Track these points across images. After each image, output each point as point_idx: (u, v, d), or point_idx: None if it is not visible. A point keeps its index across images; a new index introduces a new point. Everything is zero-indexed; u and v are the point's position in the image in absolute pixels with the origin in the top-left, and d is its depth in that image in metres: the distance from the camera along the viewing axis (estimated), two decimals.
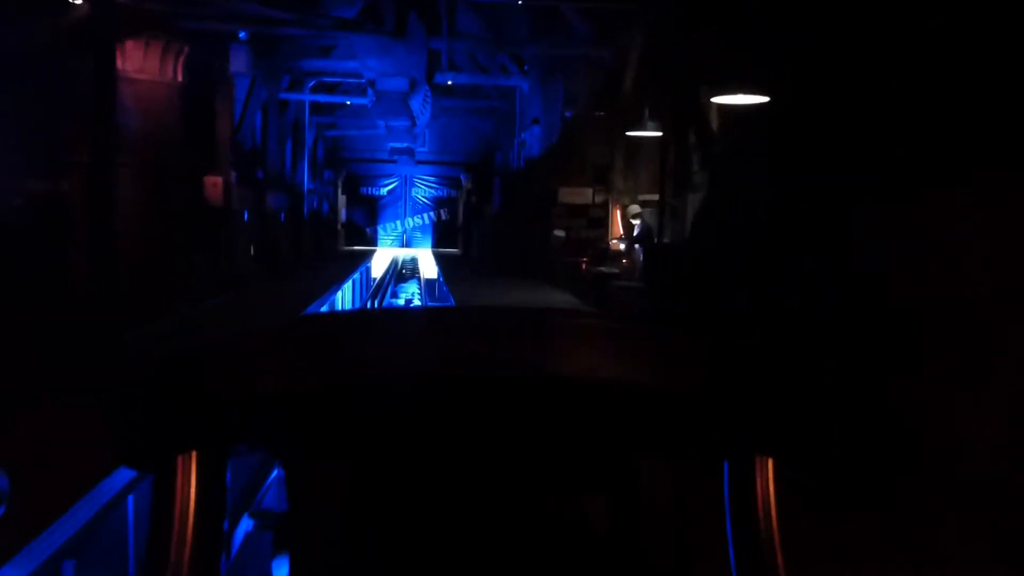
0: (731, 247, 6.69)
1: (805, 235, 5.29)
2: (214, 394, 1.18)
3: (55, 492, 4.31)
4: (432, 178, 38.92)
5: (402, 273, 33.30)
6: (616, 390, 1.19)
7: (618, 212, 16.42)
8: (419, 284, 29.87)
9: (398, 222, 39.33)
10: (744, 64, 7.97)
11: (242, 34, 17.07)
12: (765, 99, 7.80)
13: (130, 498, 5.01)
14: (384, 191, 39.26)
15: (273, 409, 1.20)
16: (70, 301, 8.59)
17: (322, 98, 27.71)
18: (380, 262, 33.04)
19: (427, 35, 18.32)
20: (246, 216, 17.58)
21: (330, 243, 32.23)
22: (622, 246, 15.25)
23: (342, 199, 36.94)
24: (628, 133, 13.87)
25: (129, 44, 12.35)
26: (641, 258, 13.97)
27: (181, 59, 13.28)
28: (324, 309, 13.82)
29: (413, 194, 39.22)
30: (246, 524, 6.96)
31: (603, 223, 16.92)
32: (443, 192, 39.04)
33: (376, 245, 37.95)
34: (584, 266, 15.26)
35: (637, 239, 14.25)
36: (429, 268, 29.68)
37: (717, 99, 8.59)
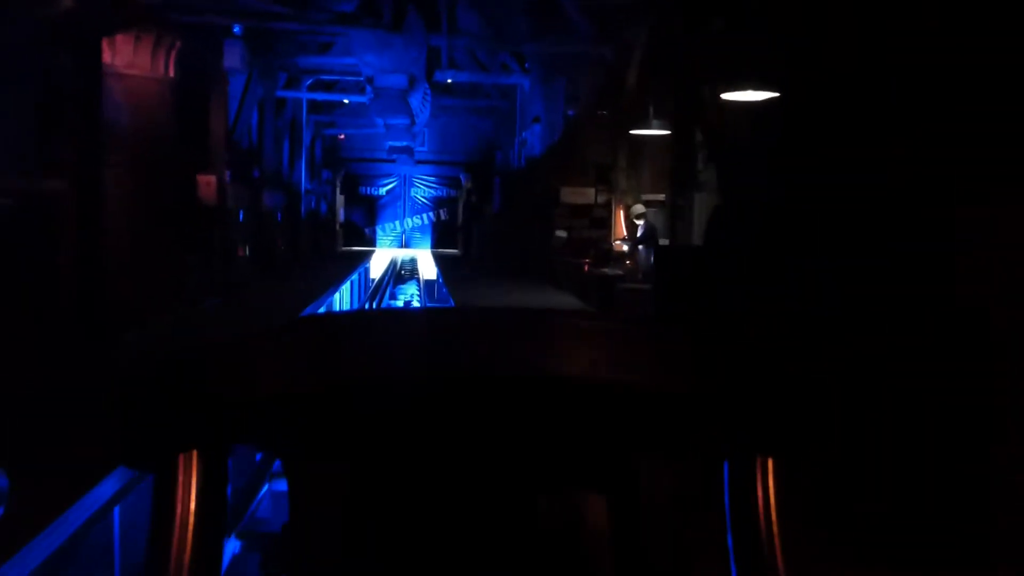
0: (749, 248, 6.68)
1: (845, 234, 5.28)
2: (214, 394, 1.20)
3: None
4: (431, 178, 38.95)
5: (401, 274, 33.37)
6: (615, 390, 1.21)
7: (621, 212, 16.41)
8: (418, 285, 29.94)
9: (397, 222, 39.36)
10: (752, 59, 7.98)
11: (236, 29, 16.99)
12: (774, 95, 7.82)
13: (116, 509, 4.94)
14: (383, 191, 39.30)
15: (273, 409, 1.22)
16: (54, 304, 8.52)
17: (320, 96, 27.74)
18: (379, 263, 33.09)
19: (426, 32, 18.28)
20: (241, 216, 17.53)
21: (328, 243, 32.24)
22: (625, 247, 15.25)
23: (340, 199, 36.97)
24: (632, 131, 13.83)
25: (119, 38, 12.21)
26: (644, 259, 13.98)
27: (173, 54, 13.11)
28: (321, 312, 13.80)
29: (412, 194, 39.26)
30: (233, 545, 6.98)
31: (606, 223, 16.91)
32: (443, 192, 39.08)
33: (375, 245, 37.99)
34: (587, 267, 15.21)
35: (641, 240, 14.24)
36: (428, 269, 29.72)
37: (729, 96, 8.59)
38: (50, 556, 4.00)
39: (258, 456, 8.11)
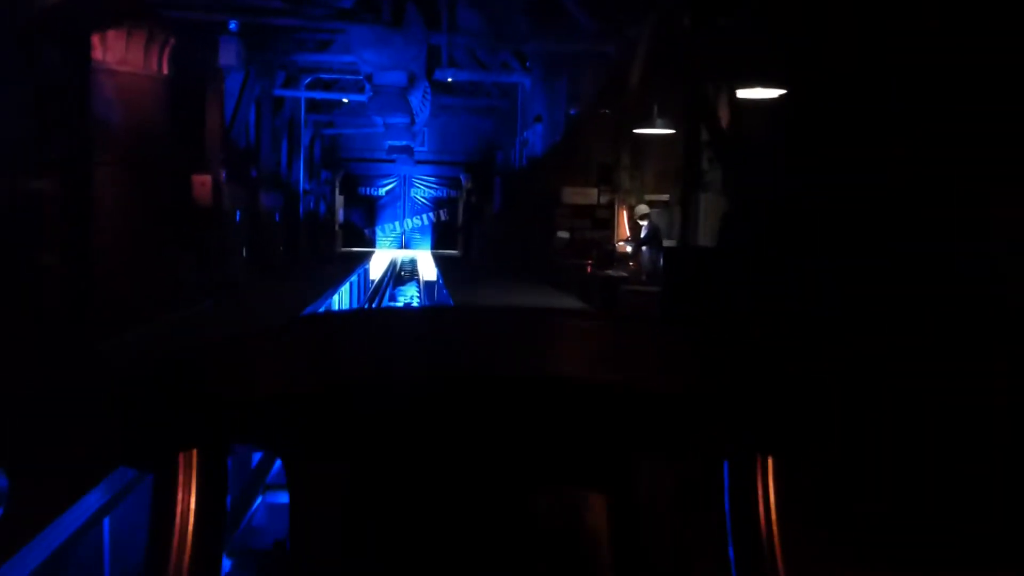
0: (761, 249, 6.66)
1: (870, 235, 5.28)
2: (213, 393, 1.22)
3: None
4: (431, 178, 38.95)
5: (401, 275, 33.39)
6: (614, 390, 1.22)
7: (624, 212, 16.40)
8: (418, 287, 29.95)
9: (397, 223, 39.36)
10: (760, 56, 8.00)
11: (232, 25, 16.78)
12: (783, 92, 7.84)
13: (105, 521, 4.85)
14: (383, 191, 39.30)
15: (272, 409, 1.23)
16: (38, 306, 8.44)
17: (318, 95, 27.68)
18: (378, 264, 33.11)
19: (426, 29, 18.18)
20: (238, 217, 17.47)
21: (327, 244, 32.23)
22: (629, 248, 15.20)
23: (340, 199, 36.96)
24: (636, 130, 13.83)
25: (110, 34, 12.09)
26: (648, 260, 13.96)
27: (166, 50, 13.00)
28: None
29: (412, 194, 39.26)
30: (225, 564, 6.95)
31: (608, 224, 16.81)
32: (443, 192, 39.08)
33: (374, 246, 37.99)
34: (589, 269, 15.18)
35: (645, 241, 14.23)
36: (428, 270, 29.70)
37: (739, 93, 8.61)
38: (34, 570, 3.89)
39: (252, 463, 8.11)
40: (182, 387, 1.22)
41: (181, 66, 13.54)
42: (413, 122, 22.55)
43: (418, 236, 39.21)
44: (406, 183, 39.01)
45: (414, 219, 39.40)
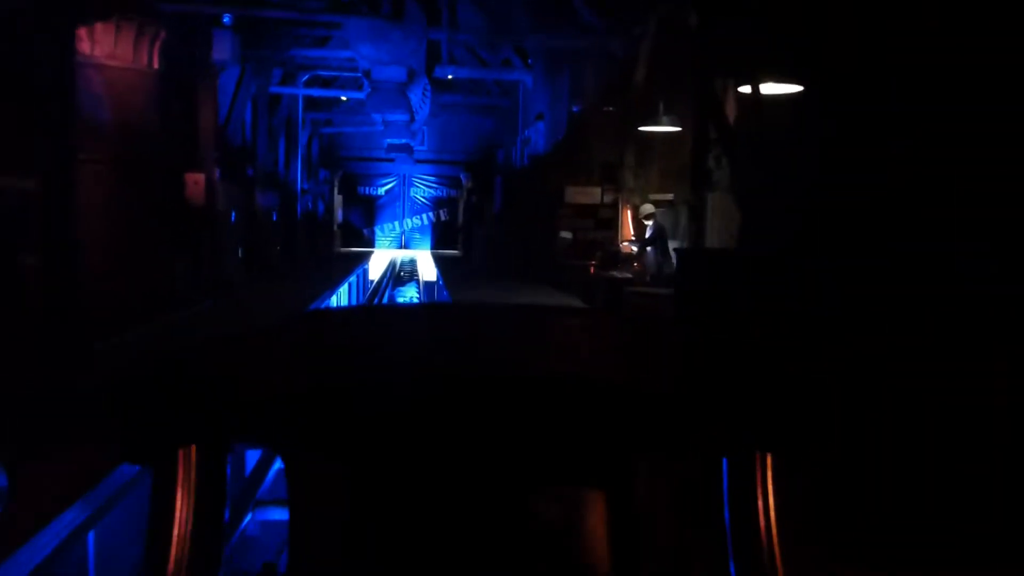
0: (783, 251, 6.62)
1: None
2: (213, 391, 1.25)
3: None
4: (431, 177, 39.00)
5: (400, 276, 33.48)
6: (614, 389, 1.24)
7: (629, 212, 16.35)
8: (418, 287, 30.03)
9: (396, 223, 39.43)
10: (774, 51, 8.01)
11: (226, 18, 16.52)
12: (799, 88, 7.87)
13: (91, 535, 4.77)
14: (382, 191, 39.36)
15: (271, 406, 1.26)
16: (17, 310, 8.12)
17: (316, 92, 27.64)
18: (377, 264, 33.17)
19: (426, 24, 18.08)
20: (233, 217, 17.34)
21: (326, 245, 32.25)
22: (634, 248, 15.14)
23: (338, 199, 37.01)
24: (641, 128, 13.79)
25: (98, 27, 11.86)
26: (653, 261, 13.95)
27: (157, 44, 12.75)
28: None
29: (412, 194, 39.31)
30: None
31: (612, 224, 16.82)
32: (442, 192, 39.14)
33: (374, 246, 38.05)
34: (593, 270, 15.11)
35: (650, 241, 14.16)
36: (428, 270, 29.74)
37: (747, 88, 8.60)
38: None
39: (245, 471, 8.12)
40: (182, 385, 1.25)
41: (173, 61, 13.32)
42: (413, 120, 22.51)
43: (418, 236, 39.26)
44: (405, 182, 39.06)
45: (414, 219, 39.46)
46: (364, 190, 39.23)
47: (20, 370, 7.23)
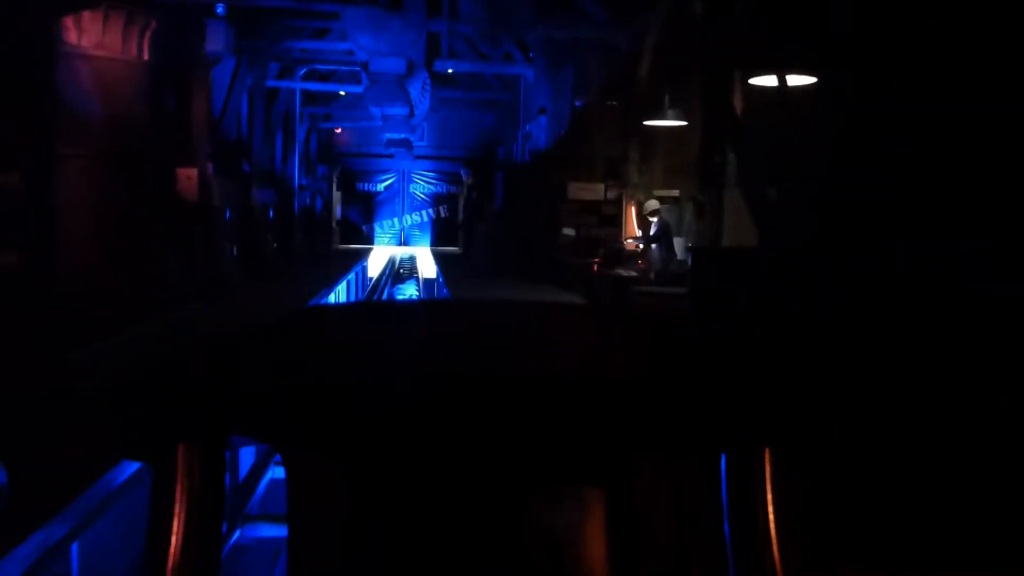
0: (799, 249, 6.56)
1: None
2: (213, 388, 1.27)
3: None
4: (431, 173, 39.10)
5: (400, 273, 33.59)
6: (614, 387, 1.26)
7: (632, 209, 16.34)
8: (417, 285, 30.11)
9: (395, 219, 39.54)
10: (782, 43, 8.02)
11: (219, 8, 16.33)
12: (813, 80, 7.89)
13: (74, 546, 4.70)
14: (381, 187, 39.47)
15: (271, 404, 1.27)
16: None
17: (314, 86, 27.67)
18: (376, 261, 33.27)
19: (426, 16, 17.99)
20: (229, 213, 17.27)
21: (324, 242, 32.30)
22: (639, 246, 15.13)
23: (337, 195, 37.11)
24: (647, 122, 13.80)
25: (85, 16, 11.65)
26: (658, 259, 13.95)
27: (148, 34, 12.53)
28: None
29: (411, 190, 39.43)
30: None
31: (616, 221, 16.83)
32: (442, 188, 39.25)
33: (372, 243, 38.17)
34: (596, 267, 15.16)
35: (654, 238, 14.17)
36: (428, 268, 29.78)
37: (760, 81, 8.58)
38: None
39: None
40: (182, 381, 1.28)
41: (164, 52, 13.10)
42: (412, 114, 22.49)
43: (417, 233, 39.36)
44: (405, 179, 39.16)
45: (413, 215, 39.57)
46: (363, 186, 39.34)
47: None
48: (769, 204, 9.17)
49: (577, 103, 19.77)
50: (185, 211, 14.07)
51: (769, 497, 1.30)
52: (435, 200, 39.55)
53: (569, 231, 17.23)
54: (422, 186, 39.45)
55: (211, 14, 16.21)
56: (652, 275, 13.43)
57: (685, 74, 12.79)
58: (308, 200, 30.33)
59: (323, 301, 16.26)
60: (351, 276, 23.65)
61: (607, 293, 13.22)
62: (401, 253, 37.43)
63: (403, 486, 1.28)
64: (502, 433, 1.27)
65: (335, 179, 36.56)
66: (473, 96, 31.00)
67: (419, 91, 20.14)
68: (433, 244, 38.09)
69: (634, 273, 13.84)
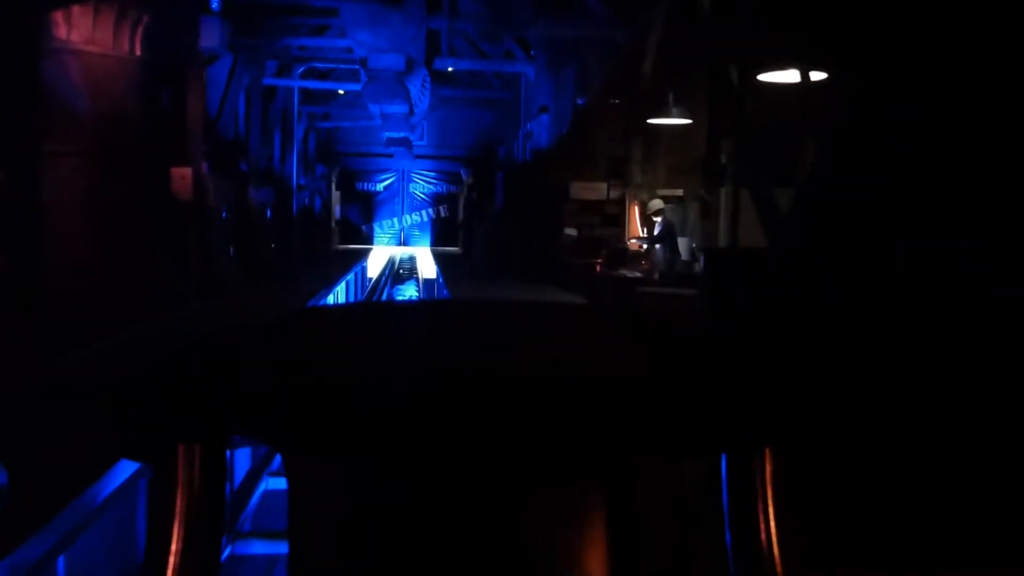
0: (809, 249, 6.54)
1: None
2: (213, 388, 1.28)
3: None
4: (431, 173, 39.18)
5: (399, 273, 33.68)
6: (614, 387, 1.26)
7: (636, 208, 16.39)
8: (417, 285, 30.18)
9: (395, 219, 39.63)
10: (790, 39, 8.05)
11: (214, 3, 16.21)
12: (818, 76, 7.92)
13: (60, 560, 4.64)
14: (380, 187, 39.55)
15: (271, 404, 1.28)
16: None
17: (312, 84, 27.69)
18: (376, 262, 33.34)
19: (426, 12, 17.94)
20: (225, 213, 17.23)
21: (323, 242, 32.33)
22: (642, 246, 15.18)
23: (336, 195, 37.16)
24: (651, 120, 13.85)
25: (75, 11, 11.39)
26: (662, 259, 13.99)
27: (139, 30, 12.29)
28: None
29: (411, 190, 39.51)
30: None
31: (619, 220, 16.90)
32: (442, 188, 39.34)
33: (372, 243, 38.24)
34: (599, 268, 15.20)
35: (658, 238, 14.23)
36: (428, 268, 29.84)
37: (769, 77, 8.60)
38: None
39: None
40: (182, 381, 1.29)
41: (157, 48, 12.92)
42: (412, 112, 22.50)
43: (417, 233, 39.44)
44: (405, 178, 39.24)
45: (413, 215, 39.66)
46: (362, 186, 39.41)
47: None
48: (775, 204, 9.18)
49: (579, 101, 19.72)
50: (179, 211, 13.94)
51: (769, 497, 1.31)
52: (435, 200, 39.61)
53: (571, 231, 17.26)
54: (422, 186, 39.52)
55: (206, 10, 16.02)
56: (656, 276, 13.45)
57: (689, 71, 12.80)
58: (307, 200, 30.37)
59: (321, 302, 16.20)
60: (350, 277, 23.66)
61: (611, 294, 13.17)
62: (401, 253, 37.50)
63: (403, 486, 1.29)
64: (502, 433, 1.27)
65: (334, 179, 36.61)
66: (473, 95, 30.99)
67: (419, 89, 20.11)
68: (433, 244, 38.15)
69: (638, 274, 13.87)
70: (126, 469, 4.96)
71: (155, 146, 13.17)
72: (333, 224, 36.14)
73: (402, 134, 27.81)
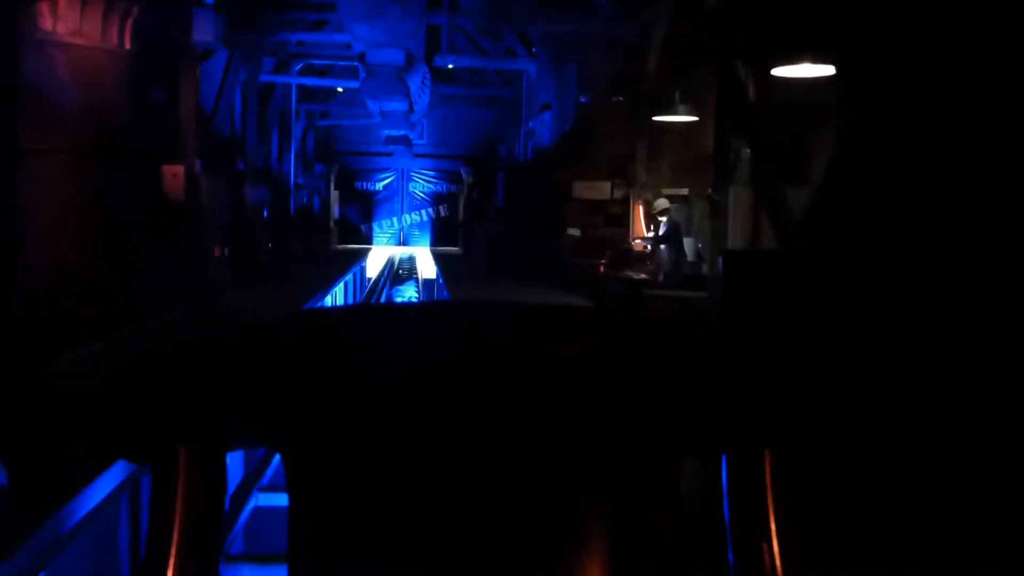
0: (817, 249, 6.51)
1: None
2: (213, 389, 1.32)
3: None
4: (431, 172, 39.20)
5: (399, 274, 33.75)
6: (615, 387, 1.31)
7: (640, 208, 16.36)
8: (417, 286, 30.22)
9: (395, 219, 39.66)
10: (798, 36, 8.07)
11: None
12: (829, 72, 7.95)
13: None
14: (380, 186, 39.59)
15: (271, 405, 1.32)
16: None
17: (310, 81, 27.64)
18: (375, 262, 33.38)
19: (426, 7, 17.89)
20: (220, 212, 17.09)
21: (321, 242, 32.29)
22: (648, 247, 15.15)
23: (335, 195, 37.16)
24: (656, 118, 13.81)
25: (62, 1, 11.15)
26: (667, 260, 13.96)
27: (129, 22, 11.98)
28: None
29: (411, 189, 39.54)
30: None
31: (623, 220, 16.86)
32: (442, 187, 39.36)
33: (371, 243, 38.27)
34: (603, 269, 15.19)
35: (663, 239, 14.19)
36: (428, 268, 29.81)
37: (782, 72, 8.59)
38: None
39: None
40: (181, 383, 1.33)
41: (148, 41, 12.68)
42: (411, 110, 22.44)
43: (417, 233, 39.47)
44: (404, 177, 39.27)
45: (412, 215, 39.69)
46: (361, 185, 39.43)
47: None
48: (785, 203, 9.20)
49: (582, 99, 19.78)
50: (171, 210, 13.75)
51: (769, 497, 1.34)
52: (435, 199, 39.63)
53: (574, 231, 17.23)
54: (422, 185, 39.55)
55: (199, 2, 15.76)
56: (661, 277, 13.43)
57: (695, 68, 12.77)
58: (305, 199, 30.37)
59: (319, 304, 16.15)
60: (349, 277, 23.62)
61: (617, 296, 13.16)
62: (400, 253, 37.53)
63: (404, 487, 1.31)
64: (502, 433, 1.30)
65: (333, 178, 36.62)
66: (474, 92, 30.95)
67: (418, 86, 20.03)
68: (433, 244, 38.14)
69: (644, 275, 13.84)
70: (107, 484, 4.87)
71: (146, 143, 12.94)
72: (332, 224, 36.11)
73: (402, 132, 27.76)
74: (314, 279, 19.55)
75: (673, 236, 14.06)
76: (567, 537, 1.32)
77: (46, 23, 11.01)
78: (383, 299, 27.10)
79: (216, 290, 15.06)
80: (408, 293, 30.03)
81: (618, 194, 17.05)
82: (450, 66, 23.14)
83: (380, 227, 39.64)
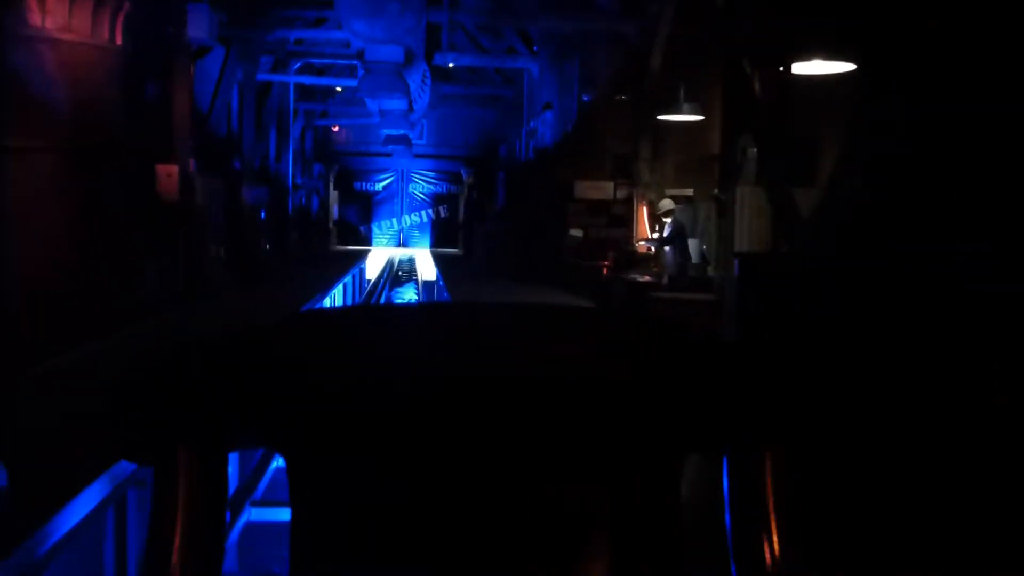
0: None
1: None
2: (213, 390, 1.35)
3: None
4: (431, 173, 39.20)
5: (398, 275, 33.75)
6: (615, 388, 1.33)
7: (644, 208, 16.32)
8: (417, 287, 30.23)
9: (394, 220, 39.67)
10: (803, 34, 8.10)
11: None
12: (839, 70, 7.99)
13: None
14: (379, 187, 39.62)
15: (272, 406, 1.35)
16: None
17: (308, 79, 27.63)
18: (375, 263, 33.39)
19: (426, 4, 17.85)
20: (216, 213, 17.02)
21: (320, 243, 32.28)
22: (652, 248, 15.10)
23: (334, 195, 37.19)
24: (660, 117, 13.79)
25: None
26: (671, 262, 13.92)
27: (120, 17, 11.75)
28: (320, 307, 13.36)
29: (410, 190, 39.56)
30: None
31: (626, 221, 16.80)
32: (442, 188, 39.36)
33: (371, 244, 38.30)
34: (606, 271, 15.19)
35: (668, 240, 14.10)
36: (428, 270, 29.83)
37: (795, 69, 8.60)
38: None
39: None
40: (182, 383, 1.35)
41: (141, 37, 12.54)
42: (411, 109, 22.39)
43: (416, 234, 39.48)
44: (404, 178, 39.29)
45: (412, 216, 39.69)
46: (361, 186, 39.45)
47: None
48: (793, 203, 9.22)
49: (584, 98, 19.72)
50: (165, 210, 13.67)
51: (769, 497, 1.37)
52: (435, 200, 39.63)
53: (576, 232, 17.19)
54: (421, 185, 39.56)
55: None
56: (665, 278, 13.42)
57: (700, 66, 12.78)
58: (303, 200, 30.38)
59: (317, 306, 16.13)
60: (347, 279, 23.62)
61: (621, 298, 13.16)
62: (400, 254, 37.56)
63: (404, 487, 1.34)
64: (503, 434, 1.32)
65: (332, 178, 36.64)
66: (474, 91, 30.99)
67: (418, 84, 19.94)
68: (433, 245, 38.14)
69: (648, 277, 13.84)
70: (93, 497, 4.86)
71: (139, 142, 12.77)
72: (331, 225, 36.11)
73: (401, 131, 27.70)
74: (313, 280, 19.52)
75: (678, 237, 13.97)
76: (567, 537, 1.34)
77: (34, 18, 10.90)
78: (383, 300, 27.12)
79: (213, 291, 15.03)
80: (408, 295, 30.04)
81: (621, 194, 17.02)
82: (450, 64, 23.07)
83: (379, 228, 39.64)
